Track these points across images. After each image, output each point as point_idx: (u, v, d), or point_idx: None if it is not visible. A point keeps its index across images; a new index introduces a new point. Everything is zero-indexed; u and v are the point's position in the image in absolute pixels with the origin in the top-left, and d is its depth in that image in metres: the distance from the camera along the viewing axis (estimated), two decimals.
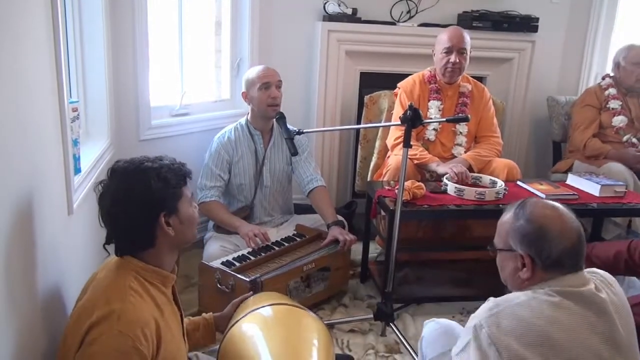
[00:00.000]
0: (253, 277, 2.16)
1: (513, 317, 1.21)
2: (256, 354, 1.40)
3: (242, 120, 2.71)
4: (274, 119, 2.56)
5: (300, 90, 3.36)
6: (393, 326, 2.27)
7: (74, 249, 1.74)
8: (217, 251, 2.45)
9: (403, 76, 3.04)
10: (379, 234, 2.79)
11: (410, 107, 2.08)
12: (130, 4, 2.50)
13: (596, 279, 1.34)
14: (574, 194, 2.56)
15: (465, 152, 2.89)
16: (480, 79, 3.34)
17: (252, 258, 2.38)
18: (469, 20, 3.39)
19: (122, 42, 2.51)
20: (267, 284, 2.16)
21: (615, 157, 3.13)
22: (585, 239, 1.32)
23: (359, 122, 3.38)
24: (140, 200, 1.28)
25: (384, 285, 2.28)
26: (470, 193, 2.48)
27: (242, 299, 1.74)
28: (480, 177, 2.70)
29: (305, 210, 2.92)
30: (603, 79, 3.38)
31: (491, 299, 1.31)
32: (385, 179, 2.80)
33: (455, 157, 2.88)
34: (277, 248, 2.49)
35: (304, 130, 2.33)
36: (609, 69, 3.90)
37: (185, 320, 1.66)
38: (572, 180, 2.77)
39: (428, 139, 2.91)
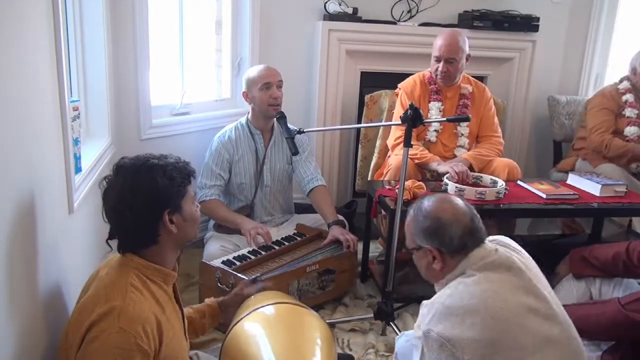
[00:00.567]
0: (253, 277, 2.16)
1: (451, 311, 1.31)
2: (259, 352, 1.40)
3: (243, 120, 2.71)
4: (275, 119, 2.56)
5: (300, 90, 3.36)
6: (393, 325, 2.28)
7: (74, 247, 1.74)
8: (218, 251, 2.45)
9: (404, 75, 3.04)
10: (380, 234, 2.79)
11: (411, 106, 2.08)
12: (130, 3, 2.50)
13: (498, 244, 1.47)
14: (574, 194, 2.56)
15: (467, 152, 2.89)
16: (481, 78, 3.34)
17: (252, 257, 2.38)
18: (470, 19, 3.39)
19: (123, 41, 2.51)
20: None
21: None
22: (479, 217, 1.45)
23: (359, 122, 3.38)
24: (146, 197, 1.28)
25: (385, 284, 2.29)
26: (470, 193, 2.48)
27: (243, 285, 1.78)
28: (481, 177, 2.70)
29: (305, 209, 2.92)
30: (621, 81, 3.27)
31: (423, 302, 1.43)
32: (385, 178, 2.80)
33: (457, 157, 2.87)
34: (277, 247, 2.49)
35: (305, 130, 2.33)
36: (609, 69, 3.92)
37: (188, 309, 1.67)
38: (572, 179, 2.77)
39: (429, 140, 2.90)
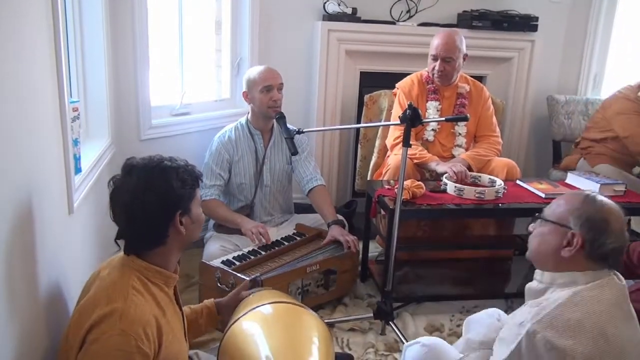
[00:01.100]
0: (253, 277, 2.17)
1: (563, 319, 1.26)
2: (257, 352, 1.41)
3: (243, 120, 2.71)
4: (274, 119, 2.57)
5: (300, 90, 3.37)
6: (393, 325, 2.28)
7: (74, 248, 1.75)
8: (217, 250, 2.46)
9: (403, 75, 3.04)
10: (379, 233, 2.79)
11: (410, 106, 2.08)
12: (130, 3, 2.50)
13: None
14: None
15: (465, 152, 2.89)
16: (480, 78, 3.34)
17: (252, 257, 2.39)
18: (469, 19, 3.39)
19: (123, 41, 2.52)
20: (267, 283, 2.16)
21: None
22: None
23: (359, 122, 3.38)
24: (160, 198, 1.30)
25: (384, 284, 2.29)
26: (470, 192, 2.49)
27: (239, 290, 1.77)
28: (480, 176, 2.71)
29: (305, 209, 2.93)
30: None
31: (529, 302, 1.36)
32: (385, 178, 2.80)
33: (455, 157, 2.88)
34: (277, 247, 2.49)
35: (304, 130, 2.34)
36: (608, 68, 3.92)
37: (186, 308, 1.67)
38: (571, 179, 2.78)
39: (427, 139, 2.91)
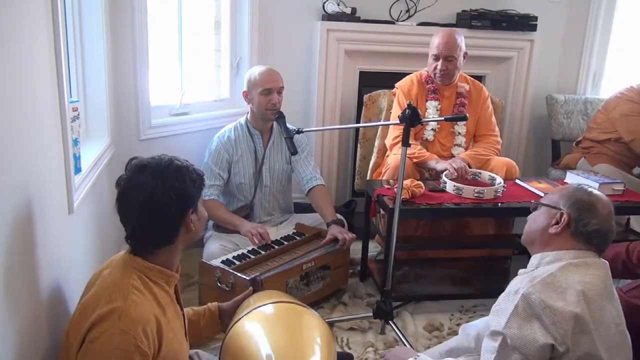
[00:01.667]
0: (253, 276, 2.17)
1: (554, 285, 1.38)
2: (258, 351, 1.41)
3: (242, 120, 2.72)
4: (274, 120, 2.58)
5: (299, 90, 3.37)
6: (392, 324, 2.29)
7: (74, 247, 1.75)
8: (217, 250, 2.46)
9: (402, 75, 3.04)
10: (379, 233, 2.80)
11: (409, 106, 2.08)
12: (130, 3, 2.50)
13: None
14: None
15: (465, 151, 2.90)
16: (479, 77, 3.35)
17: (252, 257, 2.39)
18: (468, 19, 3.39)
19: (122, 41, 2.52)
20: (267, 282, 2.17)
21: None
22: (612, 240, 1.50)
23: (358, 121, 3.38)
24: (177, 196, 1.31)
25: (383, 283, 2.30)
26: (469, 191, 2.49)
27: (243, 297, 1.75)
28: (480, 173, 2.71)
29: (304, 209, 2.93)
30: None
31: (520, 271, 1.51)
32: (384, 177, 2.81)
33: (454, 157, 2.88)
34: (276, 247, 2.50)
35: (304, 130, 2.34)
36: (607, 68, 3.93)
37: (189, 310, 1.67)
38: (570, 178, 2.78)
39: (426, 139, 2.91)
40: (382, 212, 2.62)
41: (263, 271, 2.27)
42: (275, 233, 2.66)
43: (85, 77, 2.27)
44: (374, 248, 3.02)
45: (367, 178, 3.13)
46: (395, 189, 2.19)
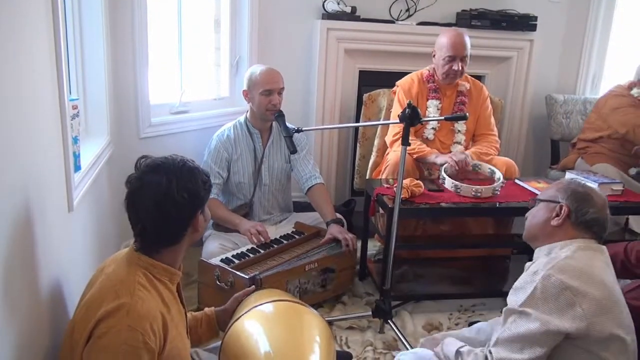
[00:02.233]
0: (252, 275, 2.17)
1: (571, 266, 1.46)
2: (258, 350, 1.41)
3: (242, 119, 2.72)
4: (273, 119, 2.58)
5: (299, 89, 3.37)
6: (391, 323, 2.29)
7: (74, 245, 1.75)
8: (216, 249, 2.46)
9: (402, 74, 3.04)
10: (378, 232, 2.80)
11: (409, 105, 2.08)
12: (130, 1, 2.50)
13: None
14: None
15: (465, 149, 2.90)
16: (479, 77, 3.35)
17: (251, 255, 2.39)
18: (468, 19, 3.39)
19: (122, 40, 2.52)
20: (266, 281, 2.17)
21: None
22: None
23: (357, 120, 3.38)
24: (190, 196, 1.33)
25: (383, 282, 2.30)
26: (467, 190, 2.49)
27: (244, 294, 1.75)
28: (480, 165, 2.71)
29: (304, 208, 2.93)
30: (630, 88, 3.28)
31: (541, 253, 1.58)
32: (384, 174, 2.81)
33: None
34: (275, 246, 2.50)
35: (303, 129, 2.34)
36: (607, 68, 3.93)
37: (188, 315, 1.68)
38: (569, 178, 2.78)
39: (427, 137, 2.91)
40: (381, 211, 2.62)
41: (262, 270, 2.27)
42: (274, 232, 2.66)
43: (85, 75, 2.27)
44: (373, 247, 3.02)
45: (367, 177, 3.13)
46: (395, 188, 2.19)
